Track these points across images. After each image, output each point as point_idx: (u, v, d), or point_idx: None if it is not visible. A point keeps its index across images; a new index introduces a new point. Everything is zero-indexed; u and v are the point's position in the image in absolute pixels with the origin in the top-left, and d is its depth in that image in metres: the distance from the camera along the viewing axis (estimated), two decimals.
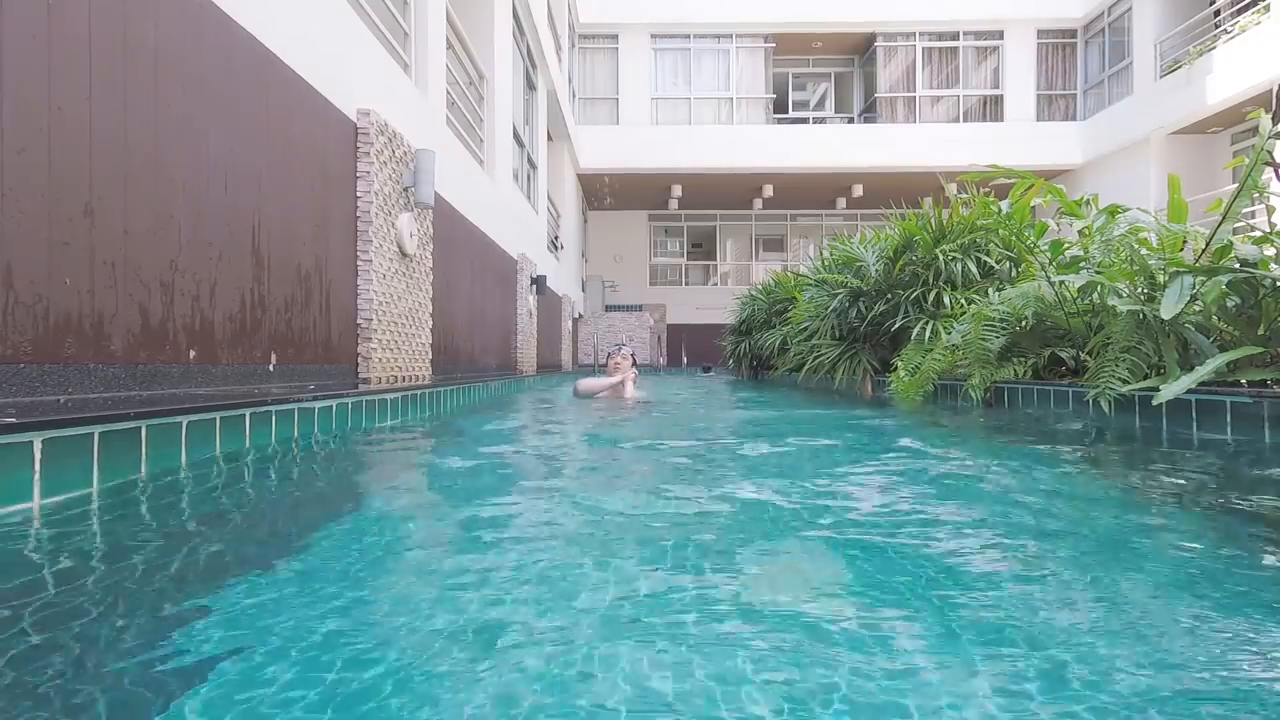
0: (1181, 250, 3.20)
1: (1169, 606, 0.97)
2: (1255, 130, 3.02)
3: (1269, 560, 1.18)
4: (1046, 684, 0.72)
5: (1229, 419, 2.49)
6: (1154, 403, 2.54)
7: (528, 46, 10.50)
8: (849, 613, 0.91)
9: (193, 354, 2.70)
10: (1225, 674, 0.75)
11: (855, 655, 0.78)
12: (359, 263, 4.27)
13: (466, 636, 0.84)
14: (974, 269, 5.17)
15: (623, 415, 3.92)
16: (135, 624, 0.90)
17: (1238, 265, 2.70)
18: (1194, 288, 2.68)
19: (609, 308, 18.06)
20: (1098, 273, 3.37)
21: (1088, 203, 3.82)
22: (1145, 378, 2.88)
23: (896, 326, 5.42)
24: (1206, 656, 0.79)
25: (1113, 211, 3.60)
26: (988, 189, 5.45)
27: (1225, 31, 11.82)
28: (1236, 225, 2.94)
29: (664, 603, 0.95)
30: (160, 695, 0.70)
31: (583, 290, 17.52)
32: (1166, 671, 0.75)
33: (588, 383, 4.94)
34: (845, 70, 17.65)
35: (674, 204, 17.77)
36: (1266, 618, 0.91)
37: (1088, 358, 3.36)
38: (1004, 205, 4.26)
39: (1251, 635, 0.86)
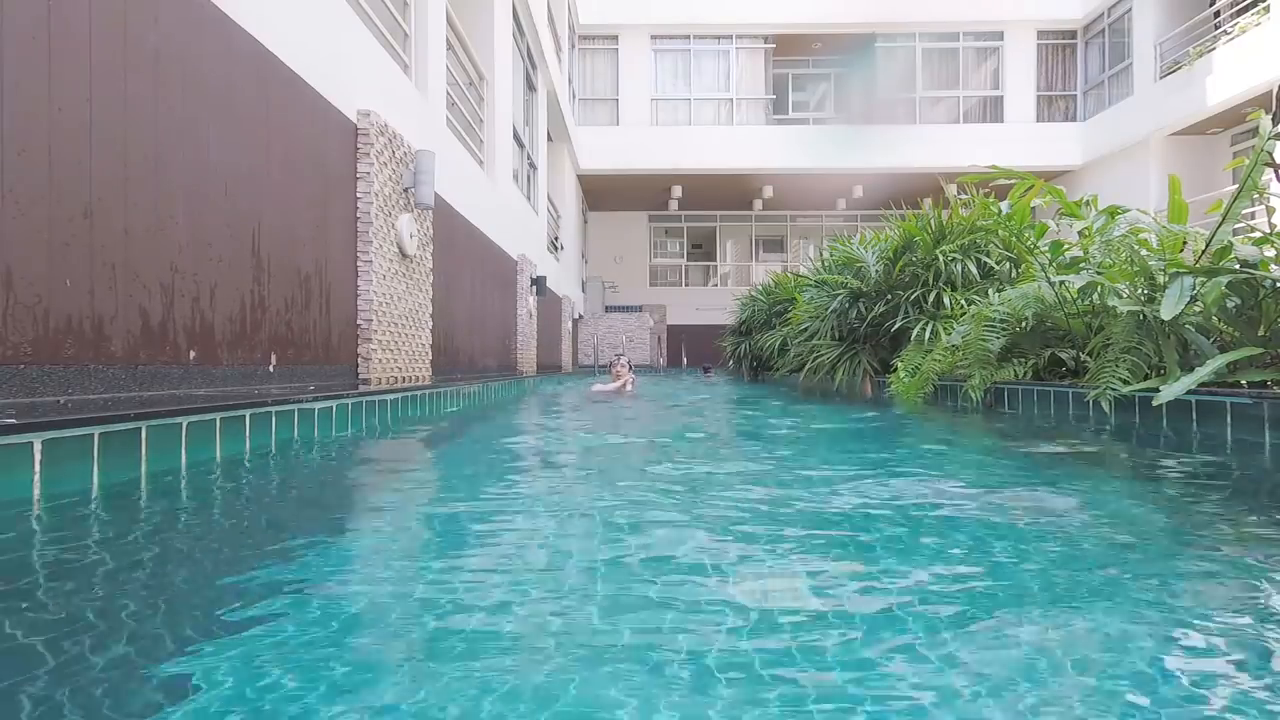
0: (1181, 251, 3.20)
1: None
2: (1255, 131, 3.02)
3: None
4: None
5: (1229, 420, 2.49)
6: (1154, 404, 2.54)
7: (528, 47, 10.50)
8: None
9: (193, 355, 2.70)
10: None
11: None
12: (359, 264, 4.27)
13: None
14: (974, 270, 5.17)
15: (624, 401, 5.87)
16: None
17: (1238, 266, 2.70)
18: (1194, 289, 2.68)
19: (609, 308, 18.04)
20: (1098, 273, 3.37)
21: (1088, 204, 3.82)
22: (1145, 378, 2.88)
23: (896, 327, 5.42)
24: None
25: (1113, 212, 3.61)
26: (988, 190, 5.45)
27: (1225, 33, 11.82)
28: (1236, 226, 2.95)
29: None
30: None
31: (583, 291, 17.52)
32: None
33: (599, 387, 6.50)
34: (845, 71, 17.65)
35: (674, 205, 17.77)
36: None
37: (1088, 358, 3.36)
38: (1004, 206, 4.26)
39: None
